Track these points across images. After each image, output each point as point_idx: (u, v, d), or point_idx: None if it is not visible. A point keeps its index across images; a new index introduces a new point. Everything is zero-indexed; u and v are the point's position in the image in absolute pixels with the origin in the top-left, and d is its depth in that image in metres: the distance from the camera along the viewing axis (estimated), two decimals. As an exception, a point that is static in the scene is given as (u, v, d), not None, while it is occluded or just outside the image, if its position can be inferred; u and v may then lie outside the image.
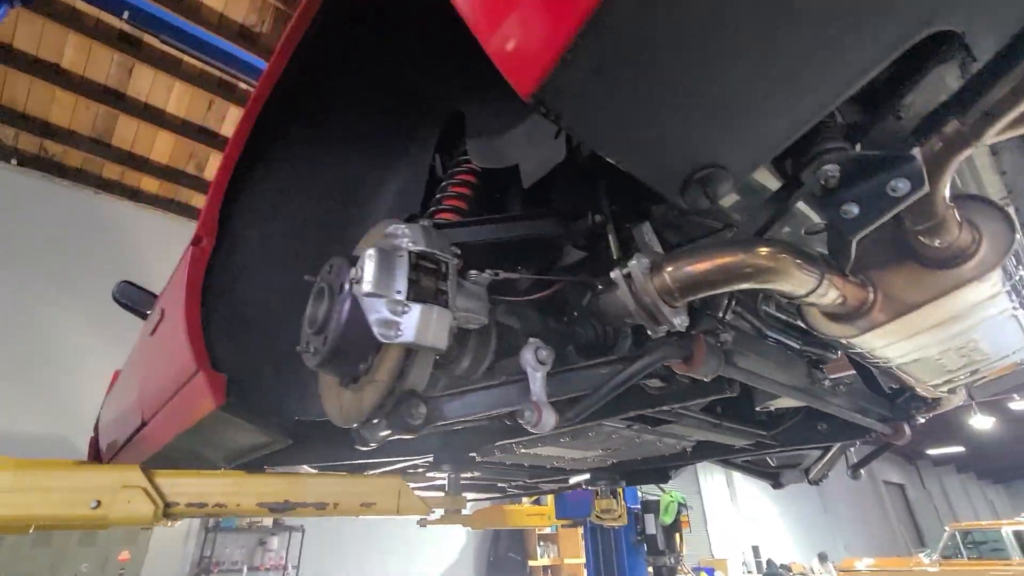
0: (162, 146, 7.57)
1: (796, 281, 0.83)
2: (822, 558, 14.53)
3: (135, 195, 8.02)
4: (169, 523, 1.55)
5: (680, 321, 0.86)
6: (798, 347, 1.36)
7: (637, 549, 4.72)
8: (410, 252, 0.89)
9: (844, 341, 1.03)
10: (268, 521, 7.92)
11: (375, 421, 0.94)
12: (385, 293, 0.85)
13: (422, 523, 4.38)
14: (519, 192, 1.33)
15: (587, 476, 2.30)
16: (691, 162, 0.69)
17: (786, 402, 1.58)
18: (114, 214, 7.76)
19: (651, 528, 4.65)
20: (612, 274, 0.89)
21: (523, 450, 1.71)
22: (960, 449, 21.46)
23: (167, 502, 1.51)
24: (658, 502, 4.75)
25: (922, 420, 1.70)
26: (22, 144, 7.16)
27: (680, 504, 4.73)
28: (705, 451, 2.04)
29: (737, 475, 15.61)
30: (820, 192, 0.80)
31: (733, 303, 1.16)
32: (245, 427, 1.44)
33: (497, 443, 1.60)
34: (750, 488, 15.88)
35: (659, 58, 0.58)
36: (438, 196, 1.35)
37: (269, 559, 7.70)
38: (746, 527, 14.95)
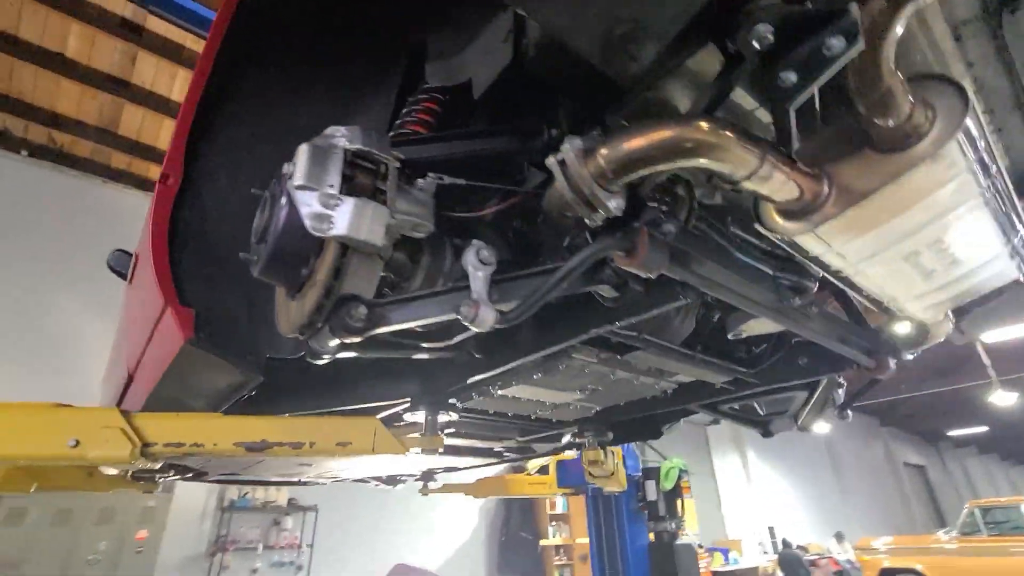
0: (168, 134, 7.65)
1: (736, 159, 0.80)
2: (839, 537, 14.42)
3: (143, 184, 8.13)
4: (148, 464, 1.57)
5: (616, 205, 0.84)
6: (771, 272, 1.33)
7: (638, 516, 4.73)
8: (346, 150, 0.88)
9: (802, 244, 1.00)
10: (283, 500, 8.07)
11: (319, 326, 0.94)
12: (317, 186, 0.84)
13: (424, 491, 4.43)
14: (482, 116, 1.32)
15: (574, 428, 2.29)
16: (610, 16, 0.66)
17: (761, 327, 1.54)
18: (122, 203, 7.88)
19: (652, 494, 4.65)
20: (547, 161, 0.87)
21: (499, 391, 1.71)
22: (983, 429, 21.05)
23: (145, 442, 1.53)
24: (659, 469, 4.74)
25: (910, 355, 1.65)
26: (31, 135, 7.29)
27: (681, 470, 4.71)
28: (687, 395, 2.01)
29: (752, 455, 15.53)
30: (759, 63, 0.77)
31: (693, 207, 1.12)
32: (217, 363, 1.44)
33: (470, 380, 1.59)
34: (764, 469, 15.79)
35: None
36: (398, 122, 1.33)
37: (284, 538, 7.85)
38: (761, 508, 14.87)
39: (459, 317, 0.87)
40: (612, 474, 2.65)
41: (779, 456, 16.52)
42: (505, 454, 3.33)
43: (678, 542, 4.45)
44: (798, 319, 1.32)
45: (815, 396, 1.94)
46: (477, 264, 0.91)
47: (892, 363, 1.59)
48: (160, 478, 3.16)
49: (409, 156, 1.05)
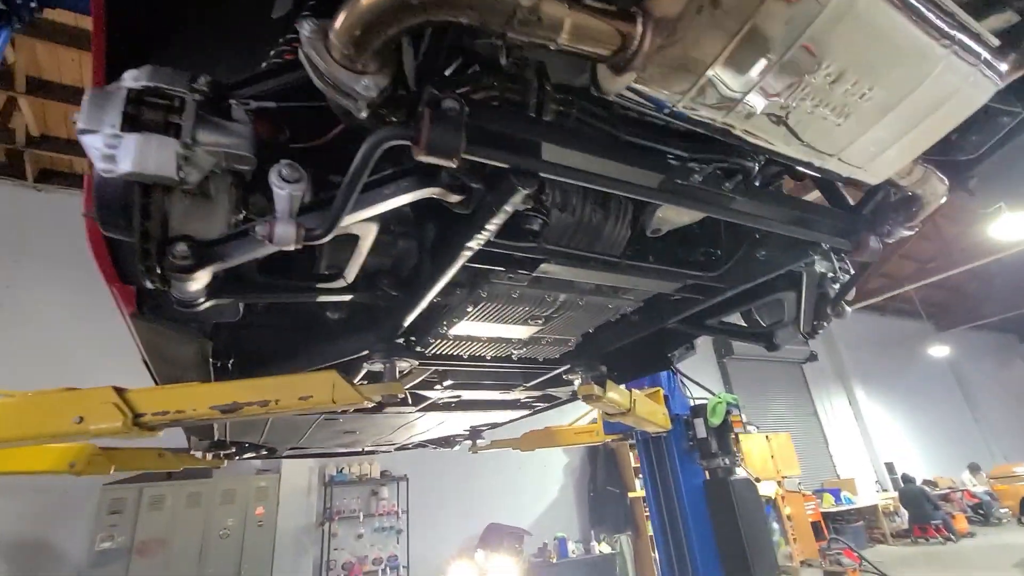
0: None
1: (485, 6, 0.69)
2: (973, 469, 13.05)
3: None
4: (144, 433, 1.73)
5: (367, 86, 0.77)
6: (685, 156, 1.16)
7: (690, 455, 4.54)
8: (129, 88, 0.88)
9: (650, 94, 0.86)
10: (376, 473, 8.70)
11: (158, 272, 0.96)
12: (98, 128, 0.85)
13: (473, 449, 4.55)
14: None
15: (566, 365, 2.22)
16: None
17: (677, 216, 1.36)
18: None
19: (701, 432, 4.42)
20: (299, 56, 0.81)
21: (448, 330, 1.69)
22: None
23: (135, 413, 1.68)
24: (705, 406, 4.49)
25: (907, 231, 1.38)
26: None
27: (730, 404, 4.42)
28: (659, 312, 1.87)
29: (859, 389, 14.37)
30: None
31: (546, 89, 0.99)
32: (166, 334, 1.55)
33: (406, 320, 1.58)
34: (875, 402, 14.55)
35: None
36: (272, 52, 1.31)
37: (382, 506, 8.48)
38: (876, 444, 13.77)
39: (257, 237, 0.85)
40: (628, 411, 2.54)
41: (889, 387, 15.12)
42: (534, 404, 3.32)
43: (735, 477, 4.23)
44: (716, 201, 1.16)
45: (803, 295, 1.70)
46: (280, 183, 0.88)
47: (874, 241, 1.35)
48: (225, 455, 3.51)
49: (242, 90, 1.03)
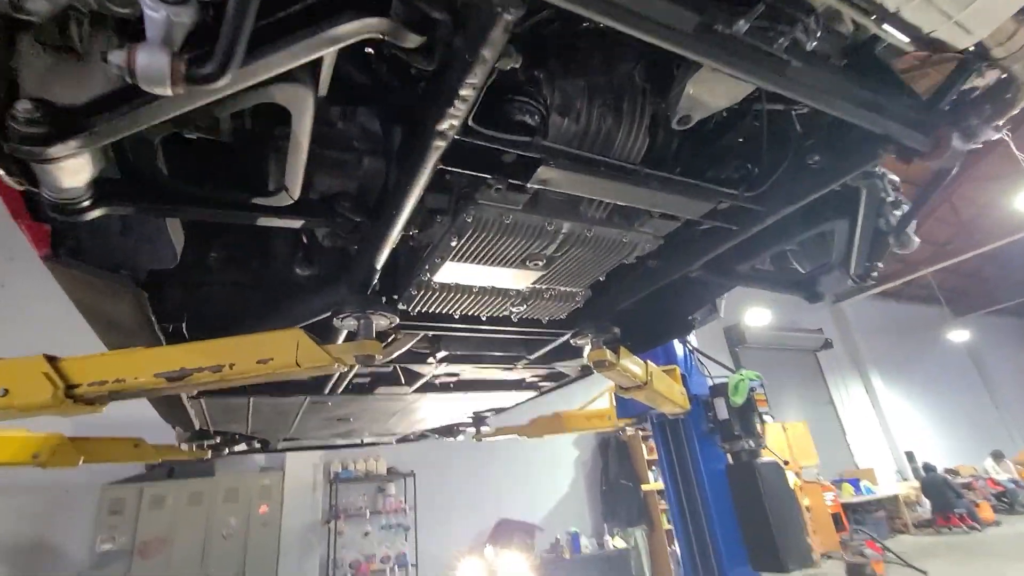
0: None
1: None
2: (996, 456, 12.66)
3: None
4: (82, 407, 1.49)
5: None
6: None
7: (711, 439, 4.21)
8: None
9: None
10: (382, 469, 8.50)
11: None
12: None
13: (477, 437, 4.30)
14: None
15: (574, 328, 1.96)
16: None
17: (714, 97, 1.06)
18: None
19: (723, 413, 4.08)
20: None
21: (432, 276, 1.43)
22: None
23: (68, 384, 1.45)
24: (726, 384, 4.16)
25: (992, 132, 1.09)
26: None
27: (752, 381, 4.09)
28: (687, 251, 1.60)
29: (875, 376, 14.00)
30: None
31: None
32: (92, 283, 1.31)
33: (376, 261, 1.33)
34: (893, 390, 14.17)
35: None
36: None
37: (389, 503, 8.28)
38: (895, 433, 13.40)
39: (112, 68, 0.60)
40: (645, 384, 2.28)
41: (907, 374, 14.73)
42: (541, 384, 3.07)
43: (760, 460, 3.90)
44: (766, 65, 0.87)
45: (859, 223, 1.41)
46: (153, 3, 0.62)
47: (957, 139, 1.06)
48: (210, 447, 3.28)
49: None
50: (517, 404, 3.45)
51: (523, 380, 2.99)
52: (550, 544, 8.54)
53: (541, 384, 3.02)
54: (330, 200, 1.22)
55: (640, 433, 8.83)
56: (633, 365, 2.14)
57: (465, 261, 1.41)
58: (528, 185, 1.16)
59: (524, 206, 1.25)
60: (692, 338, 4.51)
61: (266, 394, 2.48)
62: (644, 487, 9.13)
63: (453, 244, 1.32)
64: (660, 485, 9.13)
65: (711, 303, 2.09)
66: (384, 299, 1.53)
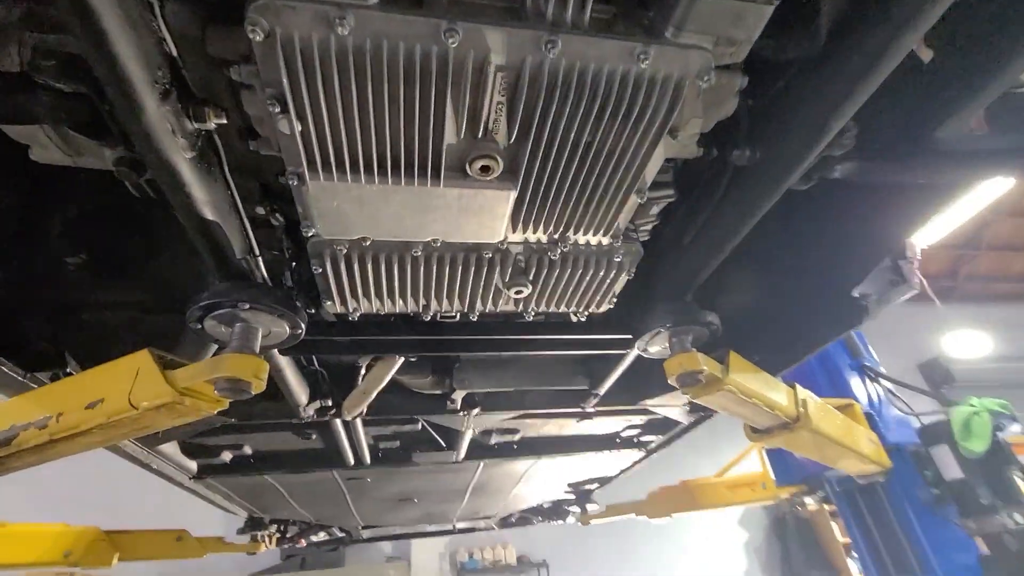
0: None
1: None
2: None
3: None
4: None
5: None
6: None
7: (939, 510, 2.59)
8: None
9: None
10: (512, 559, 7.69)
11: None
12: None
13: (583, 520, 3.37)
14: None
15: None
16: None
17: None
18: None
19: (951, 470, 2.47)
20: None
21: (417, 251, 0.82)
22: None
23: None
24: (947, 423, 2.56)
25: None
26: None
27: (999, 414, 2.46)
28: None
29: None
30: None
31: None
32: None
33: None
34: None
35: None
36: None
37: (523, 598, 7.33)
38: None
39: None
40: (796, 420, 1.37)
41: None
42: (642, 439, 2.20)
43: None
44: None
45: None
46: None
47: None
48: (269, 538, 2.87)
49: None
50: (622, 471, 2.58)
51: (616, 435, 2.17)
52: (726, 657, 6.80)
53: (643, 439, 2.16)
54: None
55: (825, 507, 6.91)
56: (763, 385, 1.27)
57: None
58: None
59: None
60: (871, 359, 3.13)
61: (282, 470, 2.02)
62: (846, 580, 7.02)
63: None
64: (868, 578, 6.95)
65: (890, 260, 1.16)
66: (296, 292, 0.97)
